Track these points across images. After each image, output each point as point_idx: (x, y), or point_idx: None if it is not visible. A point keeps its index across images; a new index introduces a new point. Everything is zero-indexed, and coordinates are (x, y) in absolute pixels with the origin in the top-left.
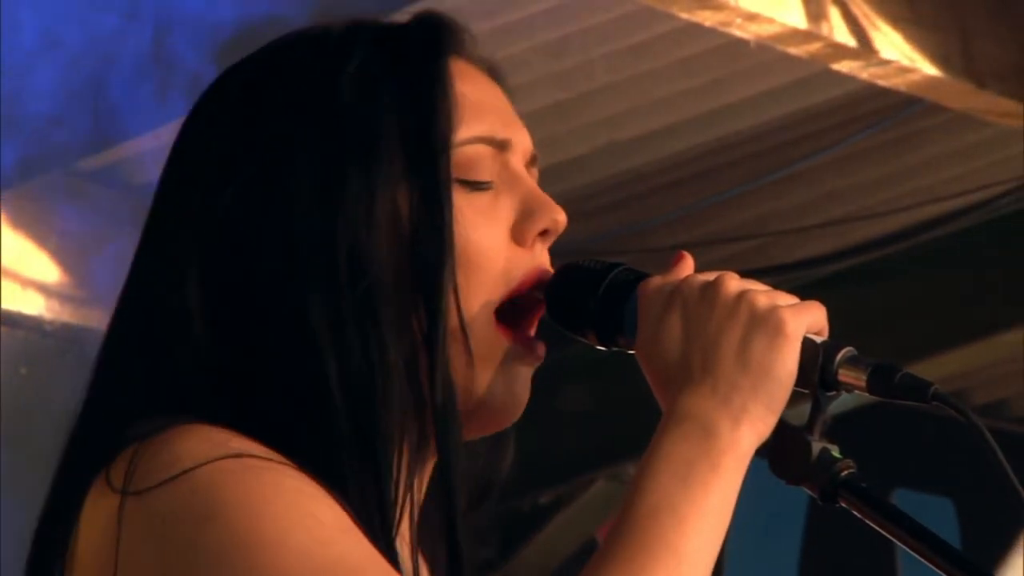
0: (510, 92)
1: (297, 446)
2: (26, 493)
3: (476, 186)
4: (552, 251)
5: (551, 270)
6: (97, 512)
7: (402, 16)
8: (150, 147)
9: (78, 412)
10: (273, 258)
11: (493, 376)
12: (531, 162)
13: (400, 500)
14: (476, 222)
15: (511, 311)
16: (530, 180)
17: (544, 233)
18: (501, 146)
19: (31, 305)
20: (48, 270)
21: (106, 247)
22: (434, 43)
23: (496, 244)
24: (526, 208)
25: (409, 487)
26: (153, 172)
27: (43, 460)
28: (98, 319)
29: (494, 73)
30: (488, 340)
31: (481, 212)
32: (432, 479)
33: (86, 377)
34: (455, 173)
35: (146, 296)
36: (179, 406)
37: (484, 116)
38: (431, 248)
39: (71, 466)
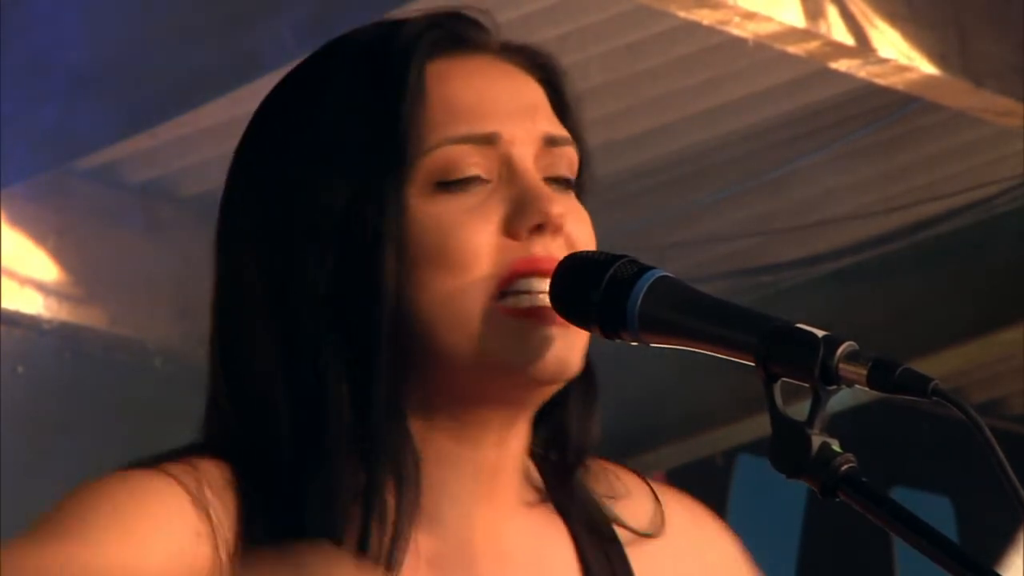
0: (555, 76)
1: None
2: (25, 492)
3: (458, 187)
4: None
5: (547, 258)
6: None
7: (405, 12)
8: (149, 145)
9: None
10: (245, 296)
11: (509, 343)
12: (547, 145)
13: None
14: (460, 221)
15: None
16: (529, 173)
17: (539, 228)
18: (486, 140)
19: (29, 304)
20: (46, 269)
21: (104, 246)
22: (408, 53)
23: (482, 241)
24: (518, 203)
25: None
26: (150, 171)
27: (40, 458)
28: (96, 318)
29: (525, 60)
30: (490, 323)
31: (468, 211)
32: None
33: (83, 376)
34: (435, 179)
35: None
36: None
37: (461, 115)
38: (365, 264)
39: None
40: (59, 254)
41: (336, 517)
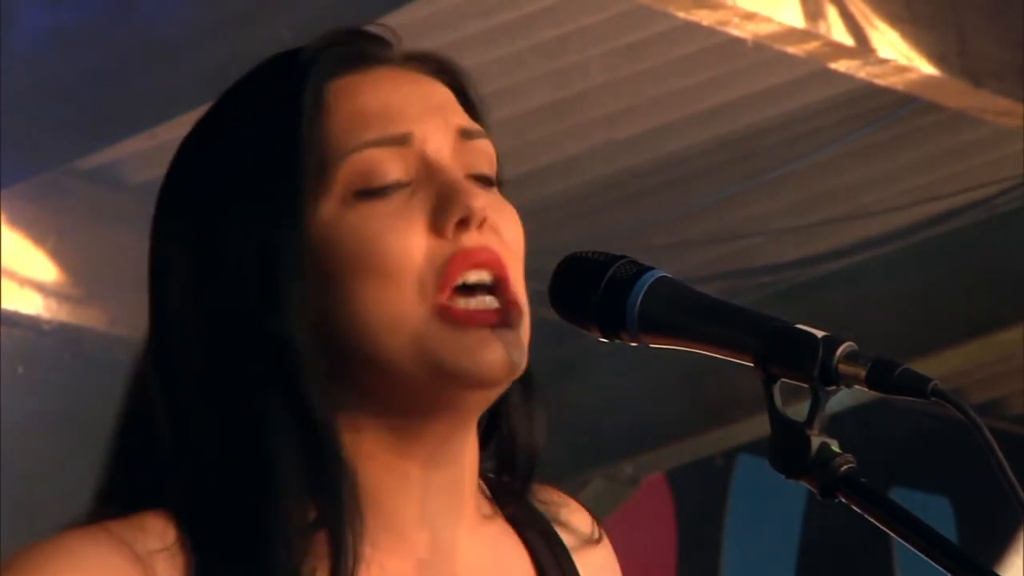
0: (460, 78)
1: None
2: (25, 492)
3: (379, 193)
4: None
5: (480, 248)
6: None
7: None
8: (149, 146)
9: None
10: (167, 337)
11: (450, 346)
12: (462, 138)
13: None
14: (384, 227)
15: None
16: (447, 170)
17: (462, 222)
18: (400, 141)
19: (29, 304)
20: (46, 269)
21: (104, 247)
22: (305, 74)
23: (408, 243)
24: (439, 199)
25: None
26: (151, 171)
27: (40, 458)
28: (96, 319)
29: (430, 67)
30: (431, 326)
31: (390, 215)
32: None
33: (83, 376)
34: (354, 188)
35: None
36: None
37: (371, 121)
38: (275, 285)
39: None
40: (59, 254)
41: (291, 558)
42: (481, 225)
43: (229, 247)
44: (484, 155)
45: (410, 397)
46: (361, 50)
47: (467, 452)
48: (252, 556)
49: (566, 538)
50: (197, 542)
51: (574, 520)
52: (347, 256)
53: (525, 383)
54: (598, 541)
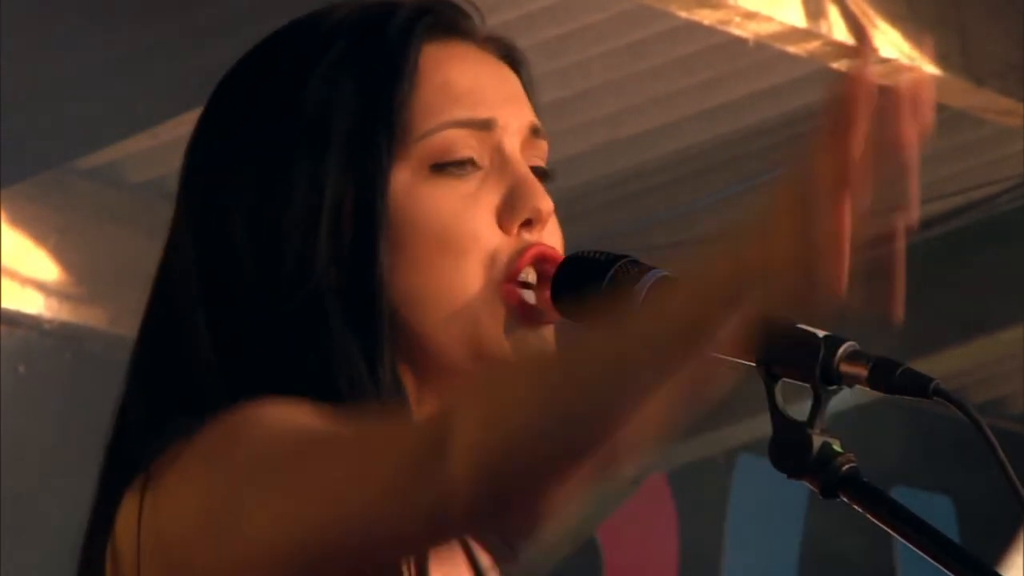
0: (525, 72)
1: None
2: (25, 491)
3: (456, 172)
4: None
5: (544, 249)
6: (130, 512)
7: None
8: (149, 145)
9: (112, 425)
10: (235, 269)
11: (503, 337)
12: (532, 135)
13: None
14: (457, 208)
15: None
16: (521, 165)
17: (527, 223)
18: (483, 126)
19: (30, 303)
20: (47, 268)
21: (106, 246)
22: (405, 34)
23: (479, 227)
24: (509, 196)
25: None
26: (152, 170)
27: (41, 458)
28: (97, 318)
29: (504, 52)
30: (492, 311)
31: (465, 198)
32: None
33: (84, 375)
34: (431, 161)
35: (162, 315)
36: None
37: (459, 100)
38: (363, 242)
39: (109, 475)
40: (60, 253)
41: None
42: (542, 228)
43: (300, 198)
44: (544, 153)
45: (438, 372)
46: (452, 19)
47: None
48: None
49: None
50: None
51: None
52: (417, 227)
53: None
54: None
